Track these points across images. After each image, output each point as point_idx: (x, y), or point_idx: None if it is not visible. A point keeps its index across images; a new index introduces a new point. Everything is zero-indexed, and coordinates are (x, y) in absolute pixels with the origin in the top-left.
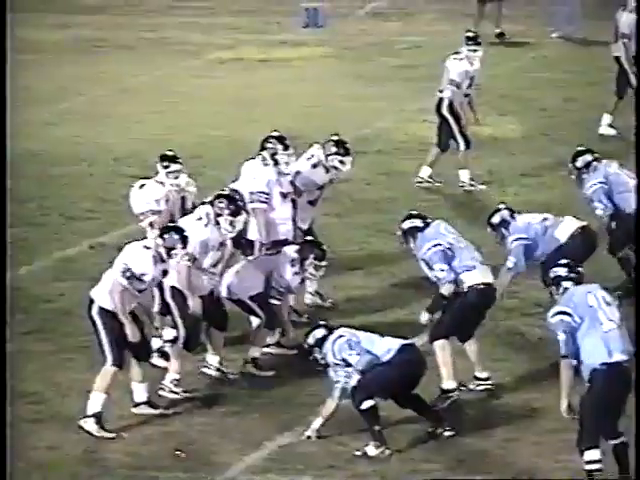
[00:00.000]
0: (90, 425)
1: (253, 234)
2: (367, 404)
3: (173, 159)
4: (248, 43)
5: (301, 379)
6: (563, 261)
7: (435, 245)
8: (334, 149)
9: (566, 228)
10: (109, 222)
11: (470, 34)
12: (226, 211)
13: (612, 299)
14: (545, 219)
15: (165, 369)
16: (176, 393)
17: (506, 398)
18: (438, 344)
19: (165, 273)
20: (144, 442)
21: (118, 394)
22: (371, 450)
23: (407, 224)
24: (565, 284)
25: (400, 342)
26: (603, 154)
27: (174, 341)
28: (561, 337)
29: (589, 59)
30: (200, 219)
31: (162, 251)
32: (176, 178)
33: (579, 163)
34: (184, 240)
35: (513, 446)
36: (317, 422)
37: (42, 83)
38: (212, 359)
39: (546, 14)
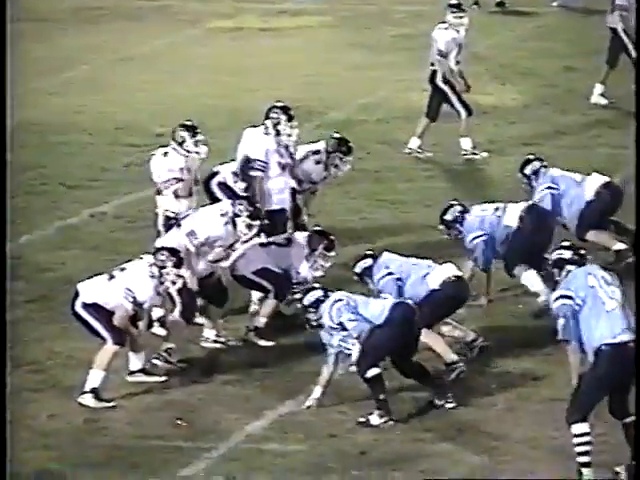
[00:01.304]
0: (88, 400)
1: None
2: (372, 372)
3: (195, 128)
4: (248, 12)
5: (302, 348)
6: (565, 243)
7: (388, 274)
8: (336, 147)
9: (514, 212)
10: (110, 191)
11: (453, 1)
12: (245, 213)
13: (612, 278)
14: (497, 209)
15: (163, 337)
16: (170, 362)
17: (507, 367)
18: None
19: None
20: (145, 411)
21: (119, 363)
22: (375, 419)
23: (358, 268)
24: (569, 267)
25: (392, 301)
26: (599, 122)
27: (164, 317)
28: (560, 321)
29: (589, 28)
30: (224, 215)
31: (155, 271)
32: (202, 146)
33: (527, 171)
34: (177, 262)
35: (514, 415)
36: (317, 391)
37: (43, 52)
38: (209, 333)
39: None
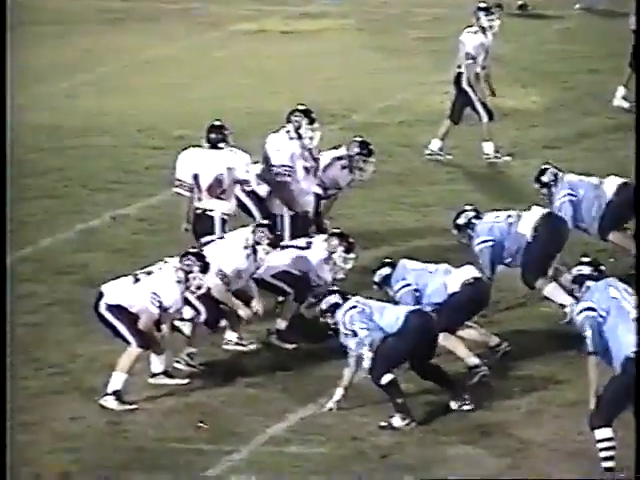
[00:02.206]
0: (110, 402)
1: (279, 209)
2: (386, 379)
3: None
4: (271, 14)
5: (323, 351)
6: (585, 259)
7: (405, 285)
8: (358, 149)
9: (528, 221)
10: (132, 193)
11: (482, 4)
12: (265, 241)
13: (632, 290)
14: (509, 216)
15: (186, 341)
16: (192, 366)
17: (529, 370)
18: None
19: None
20: (167, 413)
21: (141, 365)
22: (397, 421)
23: (377, 277)
24: (589, 283)
25: (407, 309)
26: (622, 126)
27: (193, 319)
28: (588, 333)
29: (612, 30)
30: (246, 248)
31: (182, 276)
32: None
33: (545, 178)
34: (203, 267)
35: (536, 418)
36: (338, 393)
37: (65, 54)
38: (230, 335)
39: None
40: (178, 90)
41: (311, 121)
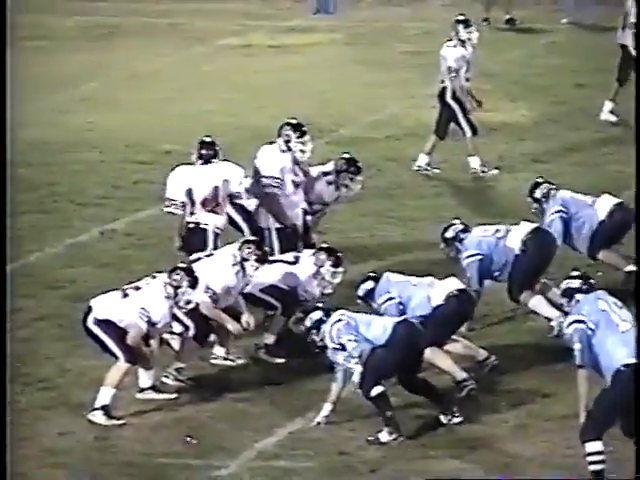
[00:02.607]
0: (98, 417)
1: (265, 222)
2: (376, 391)
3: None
4: (257, 29)
5: (311, 366)
6: (574, 273)
7: (389, 299)
8: (345, 167)
9: (517, 236)
10: (120, 208)
11: (460, 17)
12: (253, 257)
13: (622, 303)
14: (497, 231)
15: (174, 356)
16: (180, 381)
17: (517, 384)
18: (425, 352)
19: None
20: (155, 428)
21: (129, 380)
22: (384, 436)
23: (361, 291)
24: (578, 296)
25: (394, 320)
26: (610, 139)
27: (182, 334)
28: (577, 346)
29: (599, 45)
30: (235, 265)
31: (171, 292)
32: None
33: (537, 194)
34: (192, 282)
35: (523, 433)
36: (326, 408)
37: (53, 70)
38: (219, 350)
39: (556, 0)
40: (166, 105)
41: (301, 134)
